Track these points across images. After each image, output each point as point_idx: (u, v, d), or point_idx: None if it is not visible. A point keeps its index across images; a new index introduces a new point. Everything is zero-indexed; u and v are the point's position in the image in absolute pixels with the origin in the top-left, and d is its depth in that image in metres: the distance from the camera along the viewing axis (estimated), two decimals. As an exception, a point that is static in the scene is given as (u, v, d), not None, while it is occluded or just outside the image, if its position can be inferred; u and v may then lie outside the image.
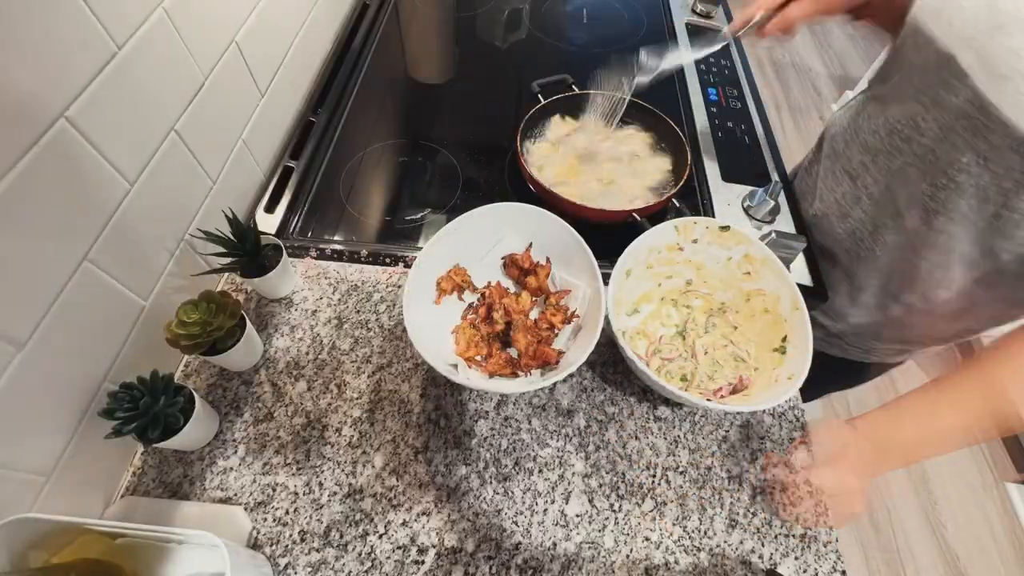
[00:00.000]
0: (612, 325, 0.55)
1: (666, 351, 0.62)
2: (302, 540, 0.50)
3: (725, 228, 0.60)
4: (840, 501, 0.50)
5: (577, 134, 0.83)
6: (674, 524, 0.53)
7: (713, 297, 0.65)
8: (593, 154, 0.80)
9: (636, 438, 0.58)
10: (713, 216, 0.76)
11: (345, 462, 0.55)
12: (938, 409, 0.51)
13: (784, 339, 0.56)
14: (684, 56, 0.75)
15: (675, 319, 0.65)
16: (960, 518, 1.43)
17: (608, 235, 0.67)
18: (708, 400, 0.56)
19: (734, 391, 0.58)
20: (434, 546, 0.51)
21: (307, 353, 0.62)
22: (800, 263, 0.72)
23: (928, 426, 0.51)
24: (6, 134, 0.38)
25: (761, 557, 0.52)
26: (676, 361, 0.62)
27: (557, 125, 0.84)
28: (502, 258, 0.65)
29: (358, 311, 0.66)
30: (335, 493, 0.53)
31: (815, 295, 0.70)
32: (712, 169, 0.82)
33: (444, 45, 1.09)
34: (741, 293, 0.63)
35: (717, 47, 0.73)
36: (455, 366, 0.56)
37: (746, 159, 0.84)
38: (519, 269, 0.63)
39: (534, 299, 0.63)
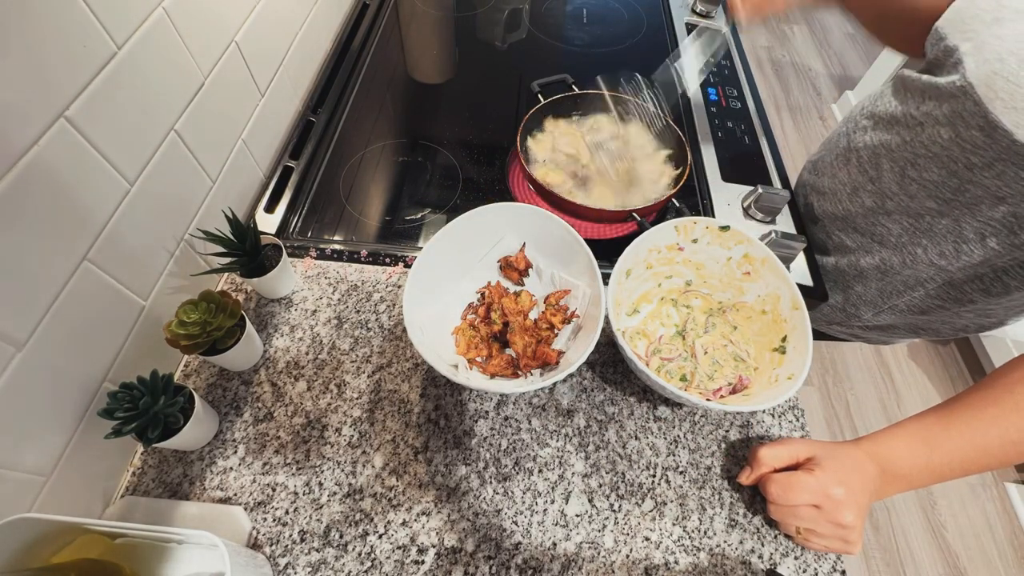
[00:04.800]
0: (612, 325, 0.55)
1: (666, 351, 0.62)
2: (302, 540, 0.50)
3: (725, 228, 0.60)
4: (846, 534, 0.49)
5: (579, 133, 0.83)
6: (674, 524, 0.53)
7: (713, 297, 0.65)
8: (595, 153, 0.80)
9: (636, 438, 0.58)
10: (713, 216, 0.76)
11: (345, 462, 0.55)
12: (955, 437, 0.49)
13: (784, 339, 0.56)
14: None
15: (675, 319, 0.65)
16: (960, 518, 1.43)
17: (608, 235, 0.67)
18: (708, 400, 0.56)
19: (734, 391, 0.58)
20: (434, 546, 0.51)
21: (307, 353, 0.62)
22: (800, 263, 0.72)
23: (946, 453, 0.49)
24: (6, 134, 0.38)
25: (761, 557, 0.52)
26: (676, 361, 0.61)
27: (559, 125, 0.83)
28: (498, 261, 0.65)
29: (358, 311, 0.66)
30: (335, 493, 0.53)
31: (815, 295, 0.70)
32: (712, 169, 0.82)
33: (444, 45, 1.09)
34: (740, 293, 0.63)
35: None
36: (455, 366, 0.56)
37: (746, 159, 0.84)
38: (516, 271, 0.63)
39: (534, 298, 0.63)
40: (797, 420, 0.60)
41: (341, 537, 0.51)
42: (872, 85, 2.22)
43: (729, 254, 0.61)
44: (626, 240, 0.59)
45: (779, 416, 0.61)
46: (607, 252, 0.62)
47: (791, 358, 0.55)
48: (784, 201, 0.73)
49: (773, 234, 0.68)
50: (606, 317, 0.53)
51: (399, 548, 0.50)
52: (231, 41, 0.64)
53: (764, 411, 0.61)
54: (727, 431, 0.59)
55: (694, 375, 0.60)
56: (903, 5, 0.62)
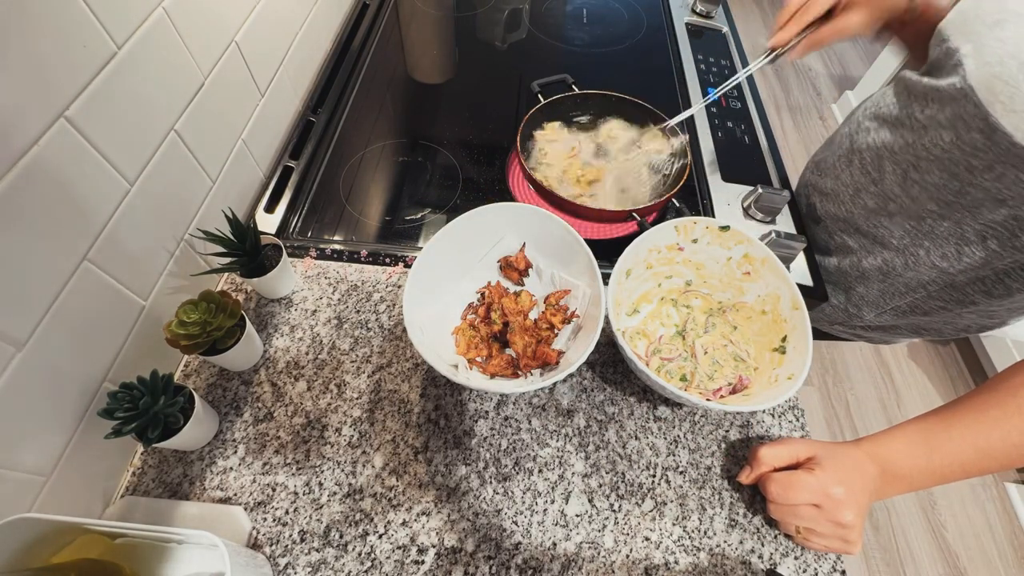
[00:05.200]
0: (612, 325, 0.55)
1: (666, 351, 0.62)
2: (302, 540, 0.50)
3: (725, 228, 0.60)
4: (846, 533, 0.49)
5: (578, 134, 0.83)
6: (674, 524, 0.53)
7: (713, 297, 0.65)
8: (595, 153, 0.80)
9: (636, 438, 0.58)
10: (713, 216, 0.76)
11: (345, 462, 0.55)
12: (956, 439, 0.49)
13: (784, 339, 0.56)
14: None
15: (675, 319, 0.65)
16: (960, 518, 1.43)
17: (608, 235, 0.67)
18: (708, 400, 0.56)
19: (734, 391, 0.58)
20: (434, 546, 0.51)
21: (307, 353, 0.62)
22: (800, 263, 0.72)
23: (946, 455, 0.49)
24: (5, 133, 0.38)
25: (761, 557, 0.52)
26: (676, 361, 0.61)
27: (558, 129, 0.83)
28: (498, 261, 0.65)
29: (358, 311, 0.66)
30: (335, 493, 0.53)
31: (815, 295, 0.70)
32: (712, 169, 0.82)
33: (444, 45, 1.09)
34: (740, 293, 0.63)
35: (759, 64, 0.72)
36: (455, 366, 0.56)
37: (746, 159, 0.84)
38: (516, 271, 0.63)
39: (534, 298, 0.63)
40: (797, 420, 0.60)
41: (341, 537, 0.51)
42: (872, 85, 2.21)
43: (729, 254, 0.61)
44: (626, 240, 0.59)
45: (779, 416, 0.61)
46: (607, 252, 0.62)
47: (791, 358, 0.55)
48: (784, 201, 0.73)
49: (773, 234, 0.68)
50: (606, 317, 0.53)
51: (399, 548, 0.50)
52: (231, 41, 0.64)
53: (764, 411, 0.61)
54: (727, 431, 0.59)
55: (694, 375, 0.60)
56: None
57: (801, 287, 0.58)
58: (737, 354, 0.61)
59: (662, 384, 0.50)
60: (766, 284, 0.59)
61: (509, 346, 0.59)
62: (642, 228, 0.69)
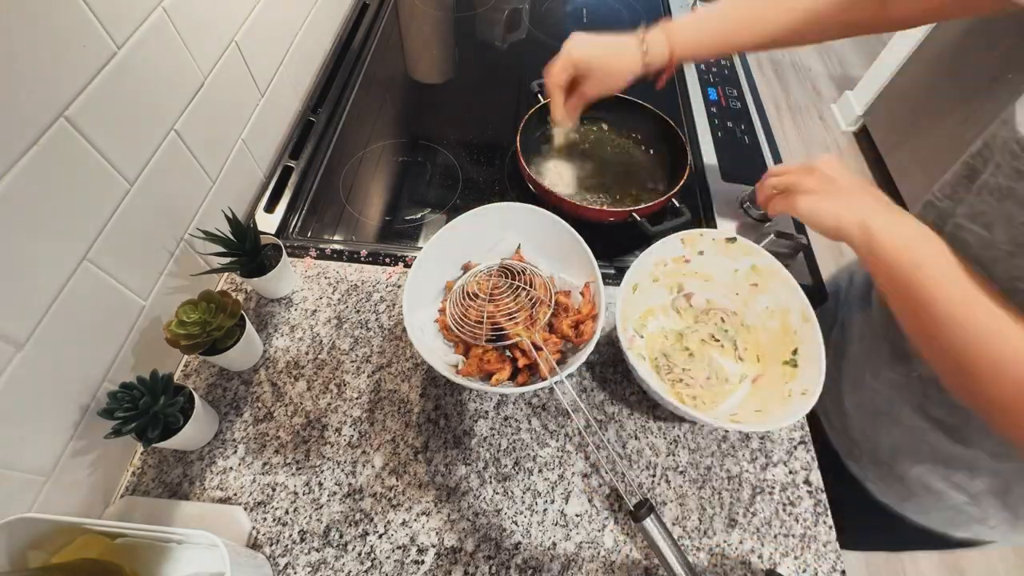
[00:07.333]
0: (621, 342, 0.53)
1: (675, 367, 0.60)
2: (302, 540, 0.50)
3: (732, 240, 0.59)
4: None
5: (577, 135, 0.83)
6: (674, 524, 0.53)
7: (720, 309, 0.63)
8: (593, 154, 0.80)
9: (636, 438, 0.58)
10: (712, 216, 0.76)
11: (345, 462, 0.55)
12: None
13: (795, 351, 0.55)
14: None
15: (681, 331, 0.63)
16: (960, 518, 1.42)
17: (608, 235, 0.67)
18: (722, 420, 0.54)
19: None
20: (434, 546, 0.51)
21: (307, 353, 0.62)
22: (800, 262, 0.72)
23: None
24: (5, 133, 0.38)
25: (761, 557, 0.52)
26: (683, 375, 0.60)
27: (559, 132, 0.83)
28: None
29: (358, 311, 0.66)
30: (335, 493, 0.53)
31: (814, 296, 0.70)
32: (712, 169, 0.82)
33: (444, 45, 1.09)
34: (748, 305, 0.61)
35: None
36: (455, 366, 0.56)
37: (746, 159, 0.84)
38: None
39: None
40: (802, 428, 0.60)
41: (341, 537, 0.51)
42: (872, 85, 2.21)
43: (736, 266, 0.61)
44: (626, 240, 0.59)
45: (779, 416, 0.61)
46: (607, 252, 0.62)
47: (803, 371, 0.54)
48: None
49: (773, 234, 0.68)
50: (614, 333, 0.52)
51: (399, 548, 0.50)
52: (231, 41, 0.64)
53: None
54: (726, 431, 0.59)
55: (703, 390, 0.59)
56: None
57: (801, 287, 0.57)
58: (746, 369, 0.60)
59: (675, 404, 0.49)
60: (775, 296, 0.59)
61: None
62: (642, 228, 0.69)
